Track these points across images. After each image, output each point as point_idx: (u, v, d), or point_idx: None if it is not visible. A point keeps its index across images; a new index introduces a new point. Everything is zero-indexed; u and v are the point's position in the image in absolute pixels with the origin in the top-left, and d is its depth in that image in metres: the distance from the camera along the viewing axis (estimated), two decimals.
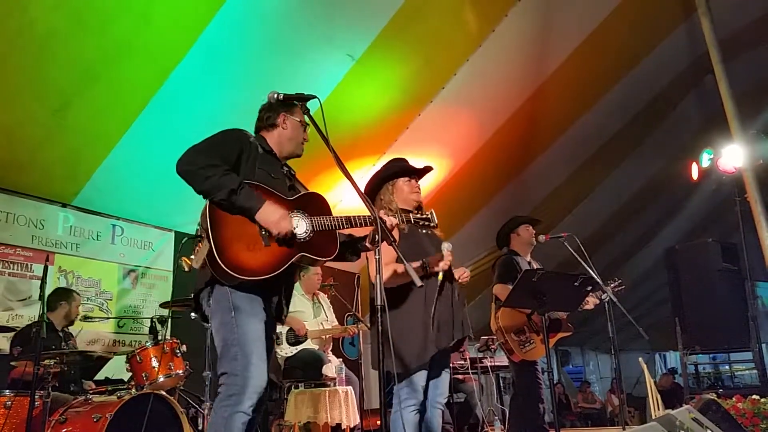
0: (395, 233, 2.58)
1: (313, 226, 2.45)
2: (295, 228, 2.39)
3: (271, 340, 2.54)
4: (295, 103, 2.58)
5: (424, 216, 2.80)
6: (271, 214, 2.31)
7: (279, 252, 2.36)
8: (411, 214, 2.80)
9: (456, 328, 2.98)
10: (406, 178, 3.12)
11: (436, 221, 2.81)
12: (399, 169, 3.15)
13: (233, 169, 2.39)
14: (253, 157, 2.47)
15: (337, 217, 2.50)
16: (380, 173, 3.18)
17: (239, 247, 2.29)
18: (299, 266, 2.53)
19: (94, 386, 4.29)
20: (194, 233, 2.44)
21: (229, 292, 2.33)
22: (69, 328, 4.54)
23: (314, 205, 2.53)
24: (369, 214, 2.45)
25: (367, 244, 2.67)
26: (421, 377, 2.90)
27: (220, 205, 2.30)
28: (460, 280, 3.08)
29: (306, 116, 2.55)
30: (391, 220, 2.57)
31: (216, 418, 2.25)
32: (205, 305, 2.45)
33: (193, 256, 2.40)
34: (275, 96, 2.42)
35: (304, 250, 2.42)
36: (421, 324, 2.90)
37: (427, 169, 3.19)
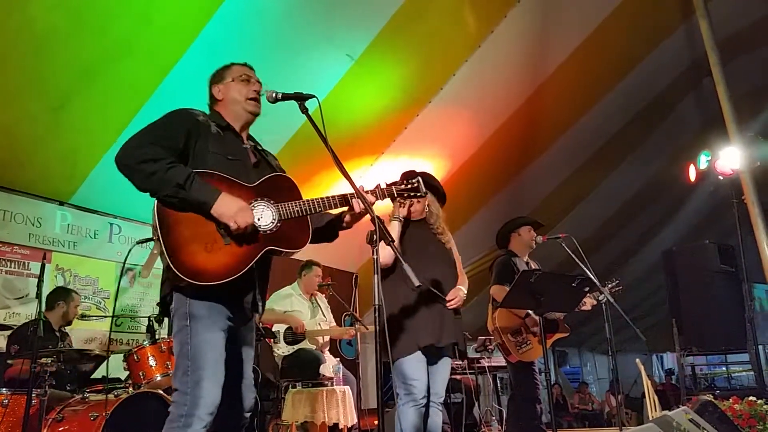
0: (392, 231, 2.56)
1: (280, 215, 2.20)
2: (258, 219, 2.16)
3: (243, 347, 2.31)
4: (228, 66, 2.45)
5: (409, 186, 2.46)
6: (227, 207, 2.06)
7: (242, 250, 2.11)
8: (394, 187, 2.48)
9: (446, 331, 3.03)
10: None
11: (424, 189, 2.49)
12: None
13: (182, 157, 2.14)
14: (203, 140, 2.20)
15: (307, 202, 2.26)
16: None
17: (195, 249, 2.04)
18: (269, 257, 2.27)
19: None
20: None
21: (187, 298, 2.10)
22: (66, 327, 4.54)
23: (280, 190, 2.27)
24: (343, 194, 2.33)
25: (345, 221, 2.44)
26: (410, 368, 2.93)
27: (170, 203, 2.05)
28: (447, 305, 3.08)
29: (305, 116, 2.34)
30: (369, 198, 2.37)
31: None
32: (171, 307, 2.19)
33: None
34: (273, 95, 2.38)
35: (271, 244, 2.18)
36: (413, 317, 2.97)
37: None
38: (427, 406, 3.04)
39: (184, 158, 2.16)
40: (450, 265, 3.24)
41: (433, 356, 3.07)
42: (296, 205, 2.23)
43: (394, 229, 3.02)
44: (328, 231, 2.50)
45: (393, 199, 2.55)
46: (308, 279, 5.12)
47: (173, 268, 2.00)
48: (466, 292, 3.20)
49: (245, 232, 2.10)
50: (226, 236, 2.09)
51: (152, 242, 2.32)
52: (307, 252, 2.46)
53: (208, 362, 2.07)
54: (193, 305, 2.10)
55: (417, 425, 2.90)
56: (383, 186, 2.46)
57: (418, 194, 2.49)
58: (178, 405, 2.05)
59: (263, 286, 2.34)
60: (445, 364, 3.13)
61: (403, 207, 3.09)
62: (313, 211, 2.27)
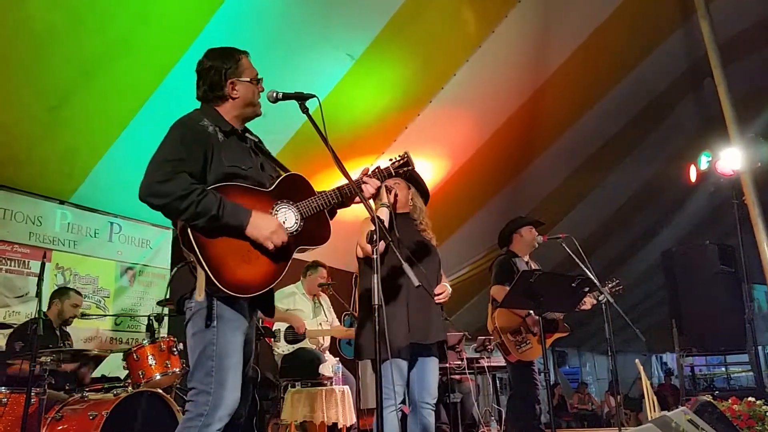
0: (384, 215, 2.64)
1: (301, 214, 2.27)
2: (284, 222, 2.21)
3: (249, 346, 2.32)
4: (238, 58, 2.31)
5: (399, 161, 2.60)
6: (262, 228, 2.11)
7: (278, 255, 2.19)
8: (390, 167, 2.61)
9: (435, 329, 3.01)
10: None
11: (413, 163, 2.63)
12: None
13: (201, 176, 2.13)
14: (217, 153, 2.17)
15: (322, 196, 2.33)
16: None
17: (235, 264, 2.09)
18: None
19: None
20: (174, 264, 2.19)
21: (215, 299, 2.11)
22: (67, 327, 4.54)
23: (296, 190, 2.32)
24: (352, 182, 2.37)
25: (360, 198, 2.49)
26: (390, 369, 2.86)
27: (202, 229, 2.05)
28: (436, 299, 3.04)
29: (305, 116, 2.35)
30: (374, 182, 2.47)
31: None
32: (186, 305, 2.20)
33: (195, 292, 2.10)
34: (274, 95, 2.37)
35: (300, 243, 2.27)
36: (396, 317, 2.91)
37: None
38: (416, 407, 3.01)
39: (203, 177, 2.14)
40: (435, 261, 3.20)
41: (419, 355, 3.03)
42: (314, 201, 2.31)
43: (384, 215, 2.98)
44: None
45: (384, 181, 2.65)
46: (312, 279, 5.10)
47: (221, 287, 2.02)
48: (450, 290, 3.17)
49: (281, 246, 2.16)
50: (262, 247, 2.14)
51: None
52: (309, 252, 2.48)
53: (233, 364, 2.11)
54: (222, 308, 2.12)
55: (397, 428, 2.87)
56: (381, 171, 2.58)
57: (410, 166, 2.61)
58: (198, 404, 2.05)
59: None
60: (432, 363, 3.08)
61: (390, 194, 3.08)
62: (329, 205, 2.35)
